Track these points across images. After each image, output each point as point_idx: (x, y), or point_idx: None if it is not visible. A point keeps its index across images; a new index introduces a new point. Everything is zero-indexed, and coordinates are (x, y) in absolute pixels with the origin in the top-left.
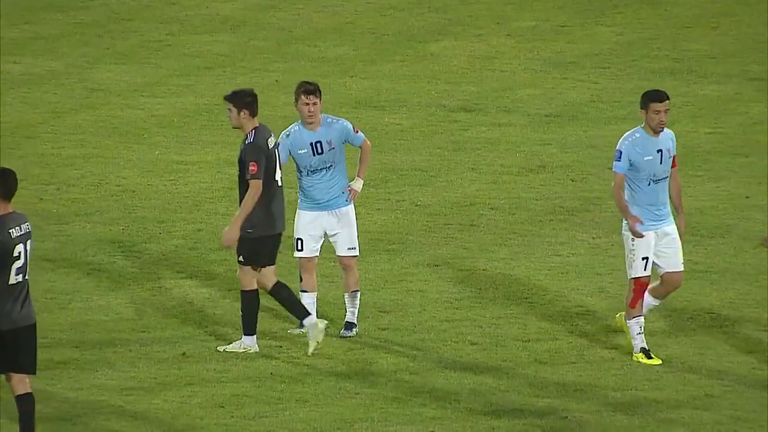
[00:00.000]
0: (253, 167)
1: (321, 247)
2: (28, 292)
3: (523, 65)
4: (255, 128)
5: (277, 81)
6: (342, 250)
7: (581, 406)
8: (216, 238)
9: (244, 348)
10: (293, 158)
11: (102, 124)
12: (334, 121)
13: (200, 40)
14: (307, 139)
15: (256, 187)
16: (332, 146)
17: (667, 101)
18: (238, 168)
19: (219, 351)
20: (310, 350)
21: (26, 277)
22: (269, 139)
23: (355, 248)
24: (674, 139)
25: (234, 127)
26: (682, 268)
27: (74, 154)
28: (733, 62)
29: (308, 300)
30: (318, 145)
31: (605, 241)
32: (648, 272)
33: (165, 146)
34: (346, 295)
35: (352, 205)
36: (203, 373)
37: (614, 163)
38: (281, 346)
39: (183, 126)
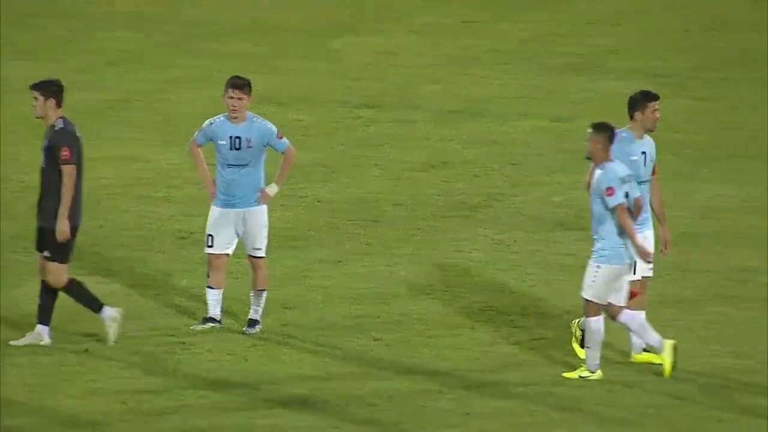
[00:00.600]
0: (65, 152)
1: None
2: None
3: (425, 61)
4: (62, 117)
5: (180, 77)
6: (248, 249)
7: (485, 403)
8: (118, 234)
9: (35, 340)
10: (215, 148)
11: (5, 121)
12: (259, 121)
13: (103, 36)
14: (228, 131)
15: (70, 172)
16: (251, 145)
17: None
18: (42, 157)
19: (11, 345)
20: (111, 339)
21: None
22: (76, 129)
23: (260, 249)
24: (654, 145)
25: (38, 117)
26: (651, 274)
27: None
28: (636, 58)
29: (214, 297)
30: (237, 140)
31: (507, 237)
32: (637, 276)
33: None
34: (252, 293)
35: (264, 207)
36: (106, 370)
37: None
38: (184, 343)
39: (85, 122)
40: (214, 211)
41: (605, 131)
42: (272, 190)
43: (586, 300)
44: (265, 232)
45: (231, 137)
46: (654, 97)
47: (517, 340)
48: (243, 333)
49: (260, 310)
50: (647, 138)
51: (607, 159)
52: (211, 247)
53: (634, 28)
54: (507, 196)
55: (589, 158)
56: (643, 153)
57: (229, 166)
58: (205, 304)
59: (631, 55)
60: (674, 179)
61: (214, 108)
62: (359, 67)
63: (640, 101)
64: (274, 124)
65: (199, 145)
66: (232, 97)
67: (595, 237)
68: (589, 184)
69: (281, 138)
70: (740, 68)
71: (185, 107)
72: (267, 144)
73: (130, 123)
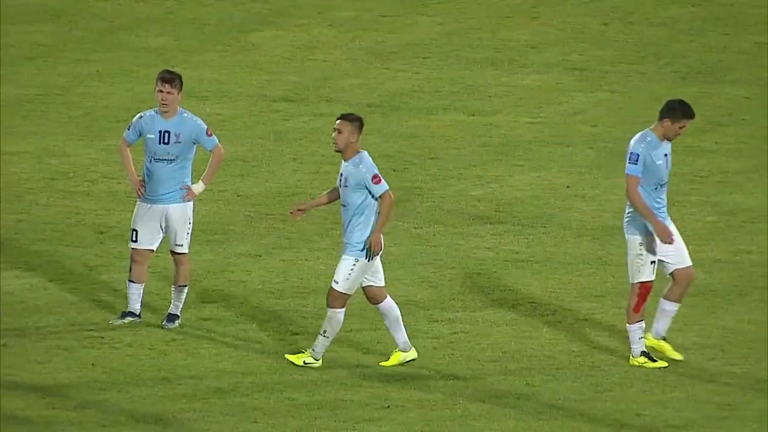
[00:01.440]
0: None
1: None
2: None
3: (344, 55)
4: None
5: (98, 71)
6: (171, 245)
7: (402, 395)
8: (38, 228)
9: None
10: (143, 142)
11: None
12: (190, 117)
13: (20, 29)
14: (157, 125)
15: None
16: (179, 140)
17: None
18: None
19: None
20: None
21: None
22: None
23: (182, 245)
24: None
25: None
26: (690, 263)
27: None
28: (554, 52)
29: (135, 291)
30: (166, 134)
31: (427, 231)
32: (654, 276)
33: None
34: (173, 288)
35: (189, 204)
36: (24, 365)
37: (629, 165)
38: (103, 337)
39: (2, 116)
40: (139, 206)
41: (358, 121)
42: (198, 188)
43: (340, 292)
44: (188, 229)
45: (160, 131)
46: (691, 117)
47: (436, 333)
48: (162, 327)
49: (180, 305)
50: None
51: (358, 150)
52: (135, 242)
53: (551, 22)
54: (426, 190)
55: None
56: (666, 155)
57: (156, 160)
58: (125, 298)
59: (549, 49)
60: (590, 173)
61: (132, 102)
62: (278, 60)
63: (677, 114)
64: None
65: (129, 144)
66: (161, 91)
67: (351, 229)
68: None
69: (210, 135)
70: (657, 62)
71: (104, 101)
72: (196, 141)
73: (48, 117)
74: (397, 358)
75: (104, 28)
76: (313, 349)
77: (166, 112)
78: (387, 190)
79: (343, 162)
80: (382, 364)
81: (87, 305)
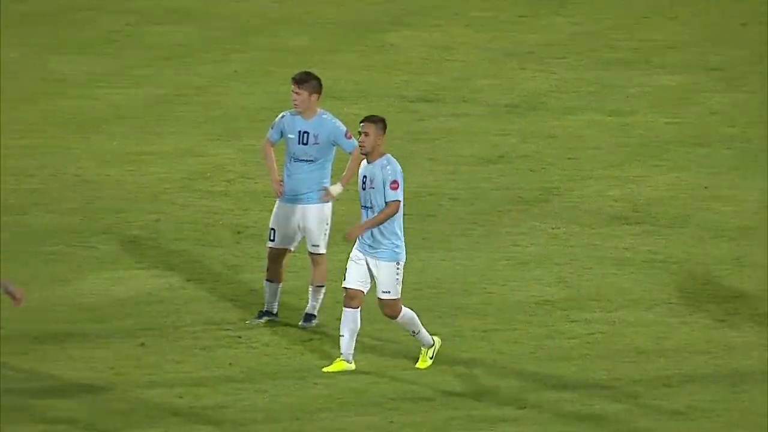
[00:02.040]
0: None
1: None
2: None
3: (481, 55)
4: None
5: (236, 71)
6: (308, 246)
7: (540, 396)
8: (176, 228)
9: None
10: (285, 142)
11: (61, 115)
12: (329, 119)
13: (159, 30)
14: (297, 126)
15: None
16: (317, 141)
17: None
18: None
19: None
20: None
21: None
22: None
23: (319, 246)
24: None
25: None
26: None
27: (33, 144)
28: (692, 52)
29: (272, 290)
30: (305, 135)
31: (564, 231)
32: None
33: (123, 137)
34: (311, 288)
35: (327, 205)
36: (162, 364)
37: None
38: (240, 337)
39: (141, 117)
40: (278, 205)
41: (382, 122)
42: (336, 189)
43: (396, 299)
44: (325, 229)
45: (300, 132)
46: None
47: (573, 334)
48: (299, 327)
49: (317, 305)
50: None
51: (383, 151)
52: (272, 241)
53: (689, 22)
54: (563, 190)
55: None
56: None
57: (296, 160)
58: (262, 297)
59: (687, 49)
60: (728, 173)
61: (269, 102)
62: (415, 61)
63: None
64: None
65: (273, 143)
66: (293, 92)
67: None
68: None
69: (350, 138)
70: None
71: (242, 101)
72: (334, 142)
73: (186, 117)
74: (339, 366)
75: (242, 29)
76: (423, 344)
77: (299, 112)
78: (398, 201)
79: (365, 163)
80: (323, 369)
81: (224, 305)
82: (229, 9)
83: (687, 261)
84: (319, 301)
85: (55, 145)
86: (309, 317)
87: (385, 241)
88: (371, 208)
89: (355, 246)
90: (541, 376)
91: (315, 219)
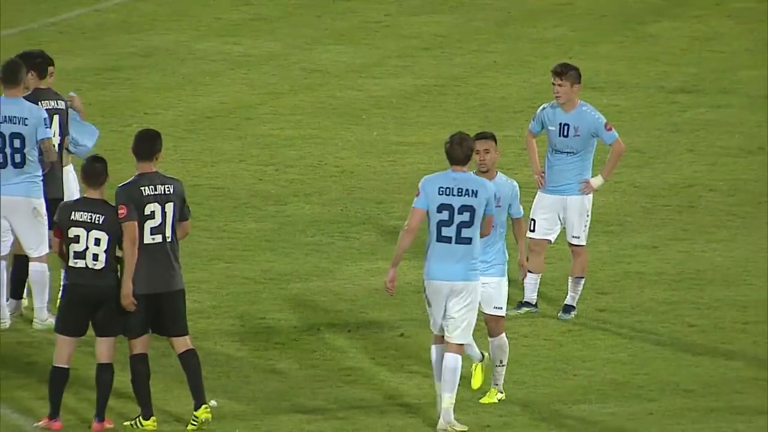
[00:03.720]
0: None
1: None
2: (170, 256)
3: (743, 46)
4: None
5: (495, 62)
6: (568, 237)
7: None
8: None
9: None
10: (546, 133)
11: (321, 105)
12: (589, 111)
13: (418, 21)
14: (558, 118)
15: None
16: (578, 133)
17: None
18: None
19: None
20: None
21: (167, 240)
22: None
23: (579, 237)
24: None
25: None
26: None
27: (293, 135)
28: None
29: (531, 281)
30: (565, 127)
31: None
32: None
33: (383, 127)
34: (570, 280)
35: (588, 197)
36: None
37: None
38: None
39: (401, 107)
40: (539, 196)
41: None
42: (596, 182)
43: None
44: (585, 221)
45: (560, 124)
46: None
47: None
48: (558, 318)
49: (576, 296)
50: None
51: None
52: (533, 231)
53: None
54: None
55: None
56: None
57: (557, 152)
58: (520, 288)
59: None
60: None
61: (529, 93)
62: (675, 52)
63: None
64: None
65: (534, 135)
66: (553, 84)
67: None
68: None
69: (609, 129)
70: None
71: (501, 92)
72: (595, 134)
73: (445, 108)
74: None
75: (501, 19)
76: (496, 384)
77: (563, 104)
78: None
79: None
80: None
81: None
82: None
83: None
84: (579, 292)
85: (316, 136)
86: (568, 308)
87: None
88: (494, 227)
89: None
90: None
91: (576, 210)
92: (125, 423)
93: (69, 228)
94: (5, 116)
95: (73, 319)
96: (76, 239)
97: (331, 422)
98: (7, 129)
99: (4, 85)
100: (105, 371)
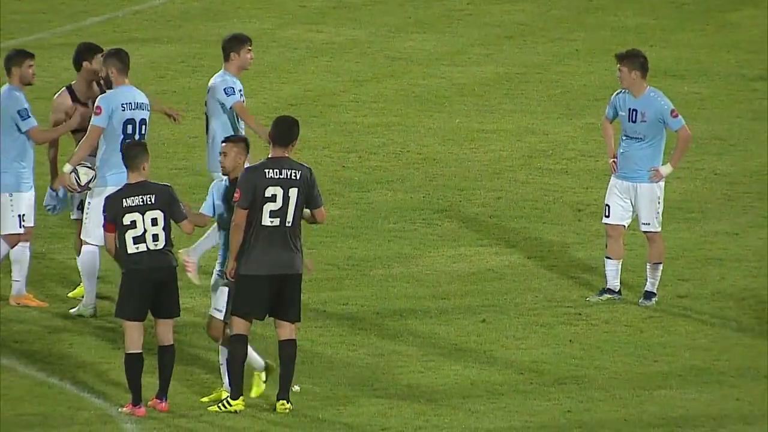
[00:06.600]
0: None
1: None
2: (288, 241)
3: None
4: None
5: (577, 50)
6: (639, 224)
7: None
8: (516, 206)
9: None
10: (619, 119)
11: (403, 93)
12: (656, 97)
13: (501, 9)
14: (628, 103)
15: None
16: (645, 119)
17: None
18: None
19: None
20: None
21: (286, 224)
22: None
23: (649, 224)
24: None
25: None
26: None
27: (376, 123)
28: None
29: (612, 267)
30: (634, 113)
31: None
32: None
33: (465, 115)
34: (648, 266)
35: (658, 184)
36: (502, 340)
37: None
38: (580, 314)
39: (483, 95)
40: (612, 182)
41: None
42: (665, 170)
43: None
44: (656, 208)
45: (629, 109)
46: None
47: None
48: (639, 305)
49: (656, 282)
50: None
51: None
52: (607, 217)
53: None
54: None
55: None
56: None
57: (628, 138)
58: (601, 275)
59: None
60: None
61: (610, 81)
62: (756, 40)
63: None
64: (669, 97)
65: (610, 121)
66: (618, 69)
67: None
68: None
69: (676, 116)
70: None
71: (583, 79)
72: (661, 120)
73: (527, 96)
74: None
75: (583, 7)
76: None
77: (630, 89)
78: None
79: None
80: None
81: (564, 282)
82: None
83: None
84: (658, 278)
85: (398, 123)
86: (649, 295)
87: None
88: None
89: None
90: None
91: (646, 198)
92: (210, 408)
93: (123, 216)
94: (138, 103)
95: (138, 303)
96: (133, 224)
97: (413, 407)
98: (138, 115)
99: (123, 74)
100: (167, 352)
